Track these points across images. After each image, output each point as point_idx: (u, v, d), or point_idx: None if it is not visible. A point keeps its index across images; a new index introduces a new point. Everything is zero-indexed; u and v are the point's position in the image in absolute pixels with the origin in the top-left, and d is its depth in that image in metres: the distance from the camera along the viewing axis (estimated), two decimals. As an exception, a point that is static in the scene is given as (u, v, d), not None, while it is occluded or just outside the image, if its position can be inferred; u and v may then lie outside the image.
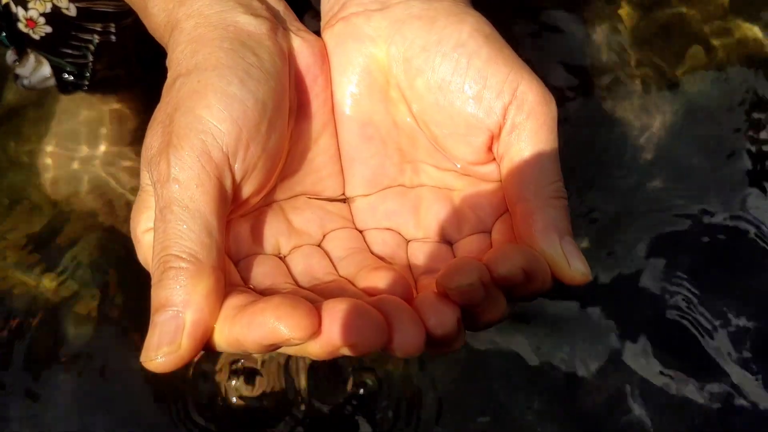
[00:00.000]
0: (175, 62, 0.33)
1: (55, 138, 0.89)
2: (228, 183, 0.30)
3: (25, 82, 0.72)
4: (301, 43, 0.35)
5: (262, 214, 0.34)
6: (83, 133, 0.88)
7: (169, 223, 0.29)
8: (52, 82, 0.70)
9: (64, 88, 0.71)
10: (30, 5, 0.61)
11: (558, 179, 0.33)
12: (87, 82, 0.69)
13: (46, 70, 0.69)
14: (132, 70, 0.73)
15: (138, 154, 0.38)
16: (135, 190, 0.87)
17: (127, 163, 0.89)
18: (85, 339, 0.83)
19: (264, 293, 0.29)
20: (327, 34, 0.37)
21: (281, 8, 0.37)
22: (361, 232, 0.35)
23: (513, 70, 0.33)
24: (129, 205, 0.90)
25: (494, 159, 0.34)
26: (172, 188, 0.29)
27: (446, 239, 0.35)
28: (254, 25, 0.34)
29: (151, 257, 0.30)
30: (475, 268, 0.28)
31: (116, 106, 0.85)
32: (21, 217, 0.89)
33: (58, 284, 0.85)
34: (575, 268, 0.31)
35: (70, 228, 0.89)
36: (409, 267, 0.34)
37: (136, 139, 0.88)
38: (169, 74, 0.33)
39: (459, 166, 0.35)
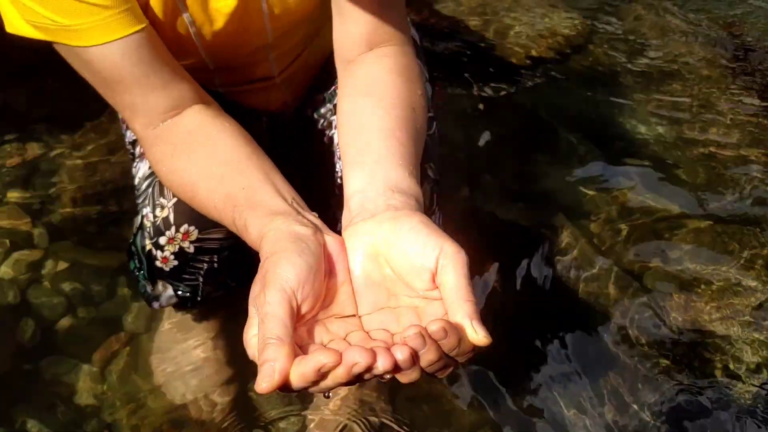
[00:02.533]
0: (265, 252, 0.62)
1: (168, 352, 1.19)
2: (294, 305, 0.58)
3: (156, 304, 1.04)
4: (330, 239, 0.65)
5: (313, 324, 0.61)
6: (189, 345, 1.18)
7: (266, 325, 0.56)
8: (174, 300, 1.02)
9: (183, 305, 1.02)
10: (165, 248, 0.94)
11: (470, 291, 0.59)
12: (199, 298, 1.01)
13: (169, 292, 1.02)
14: (229, 290, 1.05)
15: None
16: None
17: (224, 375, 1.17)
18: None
19: None
20: (344, 233, 0.67)
21: (319, 222, 0.68)
22: (367, 332, 0.62)
23: (440, 238, 0.61)
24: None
25: (436, 287, 0.62)
26: (267, 308, 0.57)
27: None
28: (305, 231, 0.64)
29: (257, 352, 0.57)
30: (418, 327, 0.54)
31: (218, 320, 1.16)
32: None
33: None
34: (480, 334, 0.57)
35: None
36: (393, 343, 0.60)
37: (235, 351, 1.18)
38: (261, 258, 0.63)
39: (420, 292, 0.62)
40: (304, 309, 0.59)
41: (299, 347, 0.58)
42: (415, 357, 0.54)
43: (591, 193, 1.50)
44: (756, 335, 1.24)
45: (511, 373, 1.18)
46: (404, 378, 0.56)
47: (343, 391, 1.14)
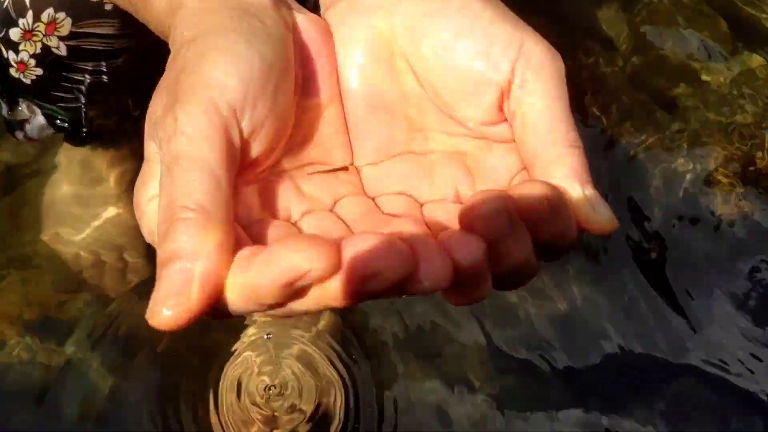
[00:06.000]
0: (179, 37, 0.32)
1: (54, 197, 0.89)
2: (236, 138, 0.29)
3: (21, 134, 0.71)
4: (304, 19, 0.34)
5: (271, 181, 0.32)
6: (81, 190, 0.88)
7: (176, 177, 0.27)
8: (50, 131, 0.70)
9: (65, 138, 0.71)
10: (20, 47, 0.60)
11: (573, 129, 0.32)
12: (85, 130, 0.69)
13: (40, 119, 0.69)
14: (128, 118, 0.73)
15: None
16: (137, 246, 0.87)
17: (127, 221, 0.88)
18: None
19: None
20: (330, 13, 0.36)
21: None
22: (373, 199, 0.34)
23: (517, 29, 0.33)
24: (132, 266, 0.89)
25: (505, 119, 0.33)
26: (179, 141, 0.27)
27: (462, 201, 0.34)
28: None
29: (156, 233, 0.28)
30: (500, 196, 0.26)
31: (114, 158, 0.86)
32: (23, 280, 0.88)
33: (65, 348, 0.84)
34: (599, 212, 0.30)
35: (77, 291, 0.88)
36: (426, 225, 0.32)
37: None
38: (172, 49, 0.32)
39: (471, 125, 0.34)
40: (255, 150, 0.31)
41: (246, 229, 0.30)
42: (487, 257, 0.26)
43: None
44: None
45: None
46: (462, 298, 0.28)
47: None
